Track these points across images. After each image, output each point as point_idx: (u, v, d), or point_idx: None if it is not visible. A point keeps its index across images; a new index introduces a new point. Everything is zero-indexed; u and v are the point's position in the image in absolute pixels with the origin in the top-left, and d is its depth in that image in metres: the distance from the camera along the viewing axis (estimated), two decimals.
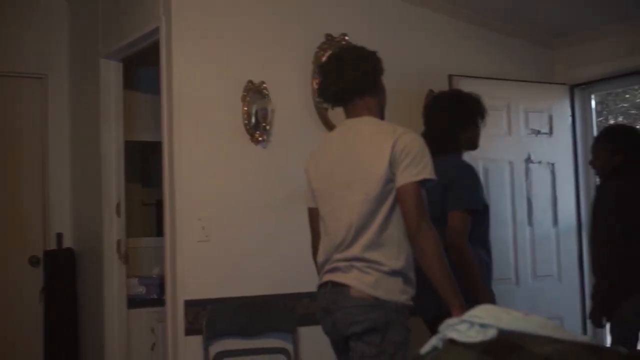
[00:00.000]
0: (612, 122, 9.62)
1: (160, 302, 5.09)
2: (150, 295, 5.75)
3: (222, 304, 4.53)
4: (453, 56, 5.48)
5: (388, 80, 5.17)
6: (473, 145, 4.29)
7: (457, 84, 5.22)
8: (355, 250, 3.29)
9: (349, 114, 3.53)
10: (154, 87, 4.98)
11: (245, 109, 4.64)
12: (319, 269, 3.51)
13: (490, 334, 2.57)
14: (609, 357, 2.30)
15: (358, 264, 3.29)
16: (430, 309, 3.74)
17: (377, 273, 3.26)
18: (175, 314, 4.47)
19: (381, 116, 3.55)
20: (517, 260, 5.45)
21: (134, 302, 5.58)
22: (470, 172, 4.10)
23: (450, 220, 3.88)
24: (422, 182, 3.26)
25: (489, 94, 5.37)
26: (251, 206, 4.69)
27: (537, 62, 5.86)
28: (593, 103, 6.02)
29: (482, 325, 2.61)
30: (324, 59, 4.72)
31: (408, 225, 3.25)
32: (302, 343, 4.71)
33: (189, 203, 4.51)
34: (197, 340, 4.45)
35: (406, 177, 3.24)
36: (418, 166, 3.25)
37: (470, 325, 2.64)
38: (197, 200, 4.53)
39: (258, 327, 4.61)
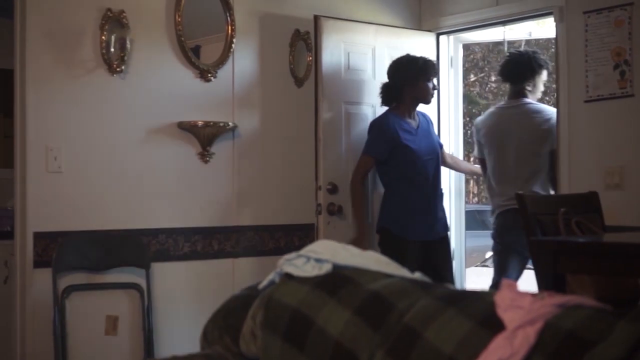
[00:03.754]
0: (493, 78, 9.90)
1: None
2: (4, 227, 5.58)
3: (73, 237, 4.44)
4: None
5: (258, 20, 5.17)
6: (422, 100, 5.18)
7: (323, 25, 5.20)
8: (526, 189, 4.77)
9: (512, 95, 5.26)
10: (11, 12, 4.78)
11: (104, 38, 4.50)
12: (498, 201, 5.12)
13: (326, 268, 2.61)
14: (434, 290, 2.36)
15: None
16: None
17: None
18: (24, 246, 4.36)
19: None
20: (376, 203, 5.45)
21: None
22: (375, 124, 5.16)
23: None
24: None
25: (354, 37, 5.41)
26: (108, 138, 4.60)
27: (405, 9, 5.90)
28: (460, 51, 6.13)
29: (318, 260, 2.66)
30: None
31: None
32: (156, 279, 4.67)
33: (40, 133, 4.39)
34: (46, 273, 4.35)
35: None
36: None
37: (307, 260, 2.68)
38: (49, 130, 4.41)
39: (111, 262, 4.54)
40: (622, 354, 1.78)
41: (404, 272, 2.58)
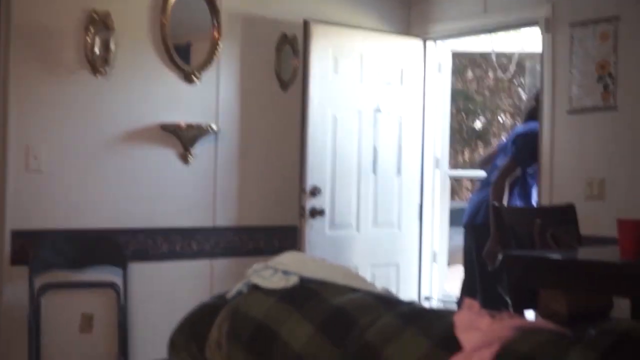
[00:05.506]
0: (490, 75, 9.87)
1: None
2: None
3: (51, 235, 4.44)
4: (309, 1, 5.46)
5: (244, 23, 5.17)
6: None
7: (312, 30, 5.21)
8: None
9: None
10: None
11: (88, 39, 4.49)
12: None
13: (292, 281, 2.63)
14: (397, 307, 2.37)
15: None
16: None
17: None
18: (2, 244, 4.34)
19: None
20: (359, 207, 5.52)
21: None
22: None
23: None
24: None
25: (343, 41, 5.42)
26: (89, 138, 4.58)
27: (394, 14, 5.89)
28: (449, 58, 6.13)
29: (286, 272, 2.67)
30: None
31: None
32: (134, 278, 4.67)
33: (21, 132, 4.37)
34: (23, 271, 4.34)
35: None
36: None
37: (274, 272, 2.69)
38: (30, 129, 4.40)
39: (88, 260, 4.53)
40: None
41: (370, 286, 2.59)
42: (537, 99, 5.28)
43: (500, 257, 4.71)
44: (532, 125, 5.21)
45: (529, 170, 5.14)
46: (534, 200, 5.19)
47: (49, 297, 4.41)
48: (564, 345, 1.93)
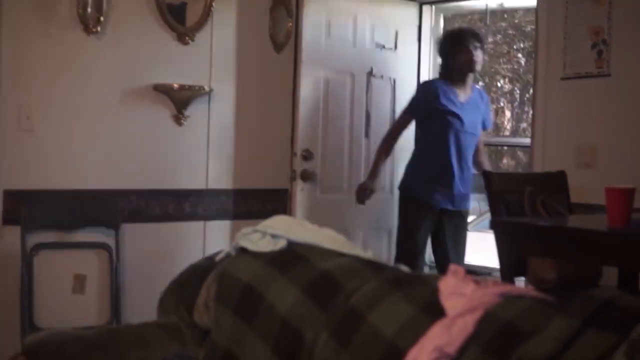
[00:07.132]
0: (490, 39, 9.82)
1: None
2: None
3: (43, 195, 4.44)
4: None
5: None
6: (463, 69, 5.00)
7: None
8: None
9: None
10: None
11: None
12: None
13: (280, 244, 2.64)
14: (383, 273, 2.39)
15: None
16: None
17: None
18: None
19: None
20: (351, 171, 5.53)
21: None
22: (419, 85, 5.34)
23: None
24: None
25: (336, 4, 5.39)
26: (82, 98, 4.57)
27: None
28: (441, 23, 6.11)
29: (274, 236, 2.68)
30: None
31: None
32: (126, 239, 4.69)
33: (13, 91, 4.35)
34: (15, 231, 4.35)
35: None
36: None
37: (262, 235, 2.71)
38: (22, 88, 4.38)
39: (80, 221, 4.55)
40: (554, 350, 1.80)
41: (357, 251, 2.61)
42: (440, 53, 5.15)
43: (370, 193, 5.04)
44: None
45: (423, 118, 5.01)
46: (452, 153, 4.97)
47: (41, 257, 4.42)
48: (546, 312, 1.94)
